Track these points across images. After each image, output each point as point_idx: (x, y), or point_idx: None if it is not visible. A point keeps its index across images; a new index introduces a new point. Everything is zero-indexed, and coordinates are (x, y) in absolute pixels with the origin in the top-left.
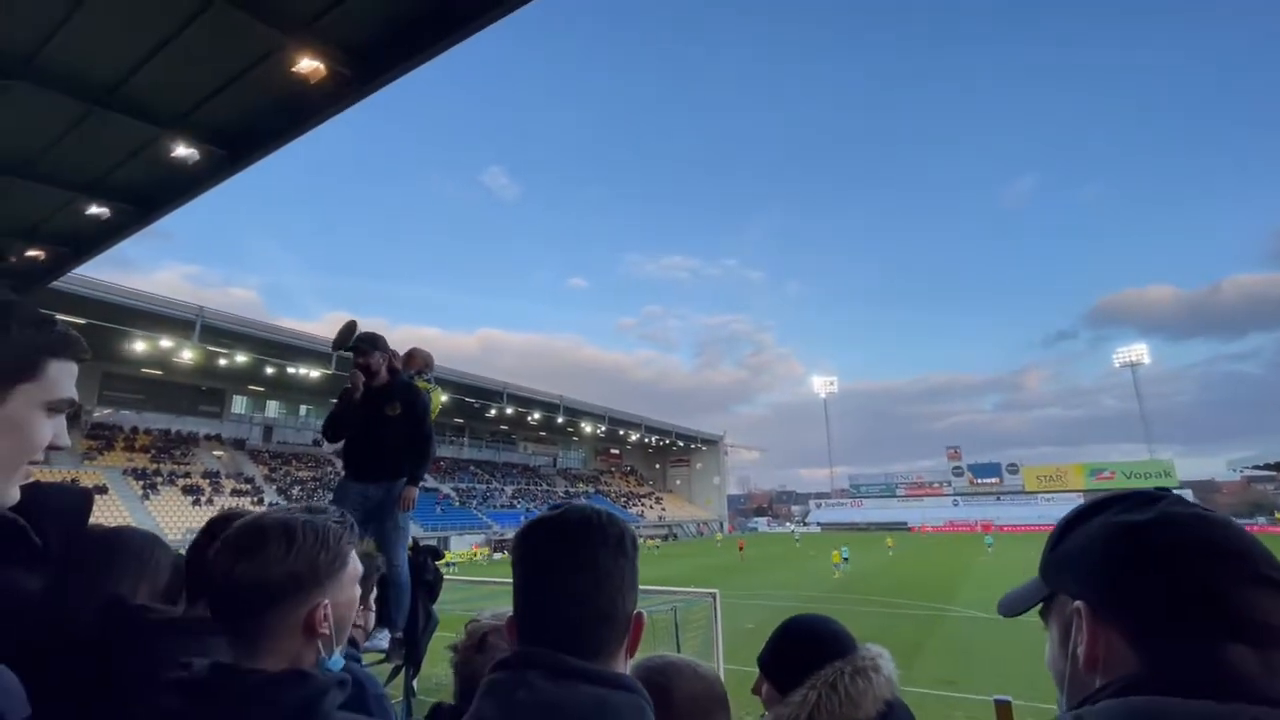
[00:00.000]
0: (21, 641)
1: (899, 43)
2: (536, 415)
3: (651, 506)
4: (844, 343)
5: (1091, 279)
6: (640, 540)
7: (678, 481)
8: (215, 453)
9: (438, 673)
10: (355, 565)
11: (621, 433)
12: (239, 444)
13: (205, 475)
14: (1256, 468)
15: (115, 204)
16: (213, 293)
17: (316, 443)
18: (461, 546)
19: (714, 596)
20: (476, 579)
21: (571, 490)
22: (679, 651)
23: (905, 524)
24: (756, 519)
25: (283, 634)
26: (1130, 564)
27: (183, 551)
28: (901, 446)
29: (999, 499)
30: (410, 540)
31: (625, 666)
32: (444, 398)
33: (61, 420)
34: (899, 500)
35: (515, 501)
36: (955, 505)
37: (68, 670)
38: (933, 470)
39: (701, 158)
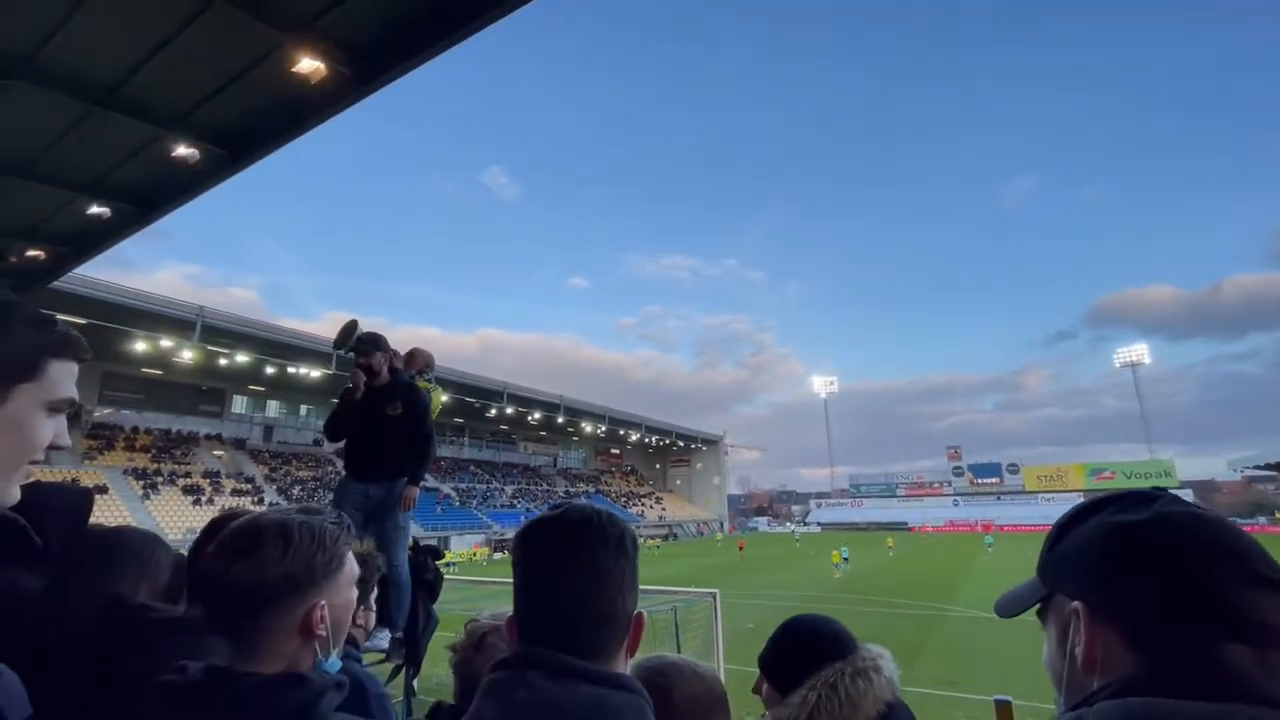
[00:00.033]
0: (22, 641)
1: (899, 43)
2: (537, 415)
3: (652, 506)
4: (844, 343)
5: (1091, 279)
6: (640, 540)
7: (678, 481)
8: (216, 452)
9: (438, 672)
10: (352, 566)
11: (622, 433)
12: (239, 444)
13: (206, 475)
14: (1257, 468)
15: (115, 204)
16: (213, 292)
17: (317, 442)
18: (462, 546)
19: (714, 596)
20: (477, 579)
21: (572, 490)
22: (679, 651)
23: (905, 524)
24: (757, 519)
25: (279, 635)
26: (1127, 564)
27: (183, 551)
28: (902, 446)
29: (999, 499)
30: (411, 540)
31: (625, 666)
32: (444, 397)
33: (62, 420)
34: (899, 500)
35: (515, 501)
36: (955, 505)
37: (68, 670)
38: (933, 470)
39: (701, 158)
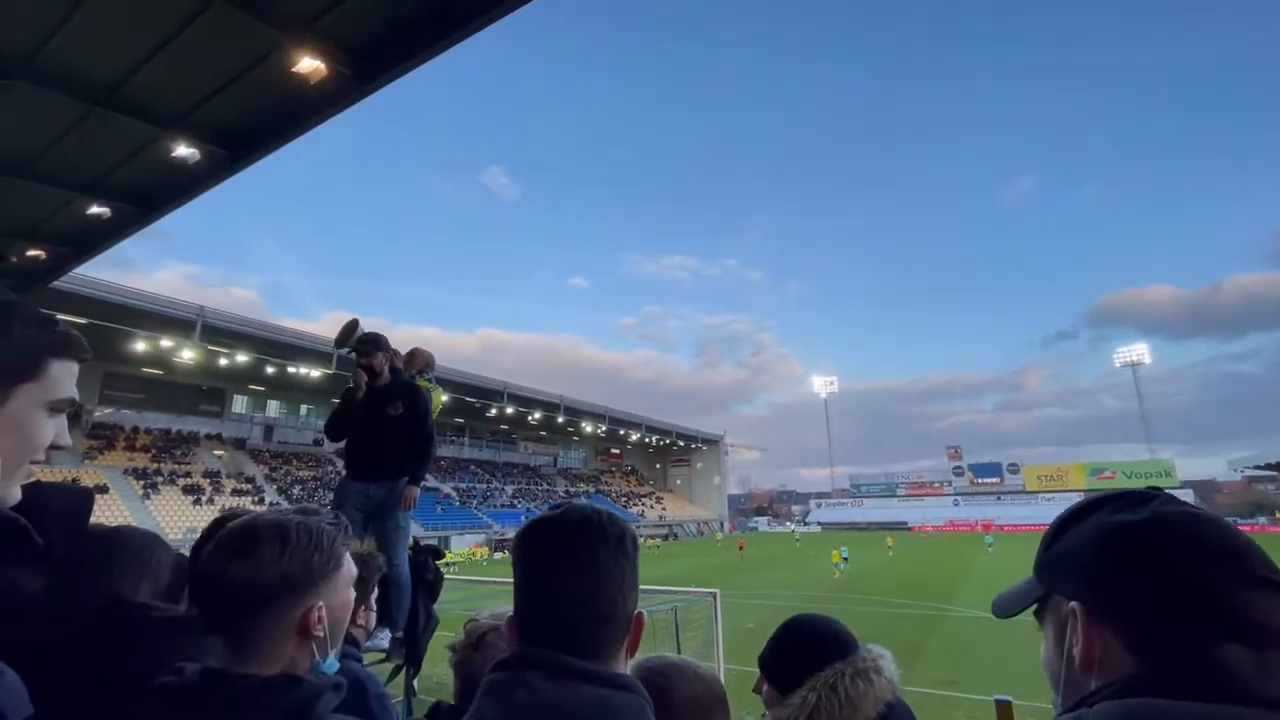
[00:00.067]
0: (24, 641)
1: (899, 43)
2: (537, 415)
3: (652, 506)
4: (844, 343)
5: (1091, 279)
6: (641, 540)
7: (678, 481)
8: (216, 452)
9: (438, 672)
10: (350, 567)
11: (622, 432)
12: (240, 443)
13: (206, 475)
14: (1257, 467)
15: (115, 204)
16: (213, 292)
17: (317, 442)
18: (462, 546)
19: (714, 596)
20: (477, 579)
21: (572, 490)
22: (679, 651)
23: (906, 524)
24: (757, 518)
25: (277, 636)
26: (1124, 564)
27: (184, 552)
28: (902, 446)
29: (999, 499)
30: (411, 540)
31: (626, 666)
32: (444, 397)
33: (63, 420)
34: (899, 500)
35: (516, 501)
36: (956, 505)
37: (68, 670)
38: (933, 470)
39: (701, 158)
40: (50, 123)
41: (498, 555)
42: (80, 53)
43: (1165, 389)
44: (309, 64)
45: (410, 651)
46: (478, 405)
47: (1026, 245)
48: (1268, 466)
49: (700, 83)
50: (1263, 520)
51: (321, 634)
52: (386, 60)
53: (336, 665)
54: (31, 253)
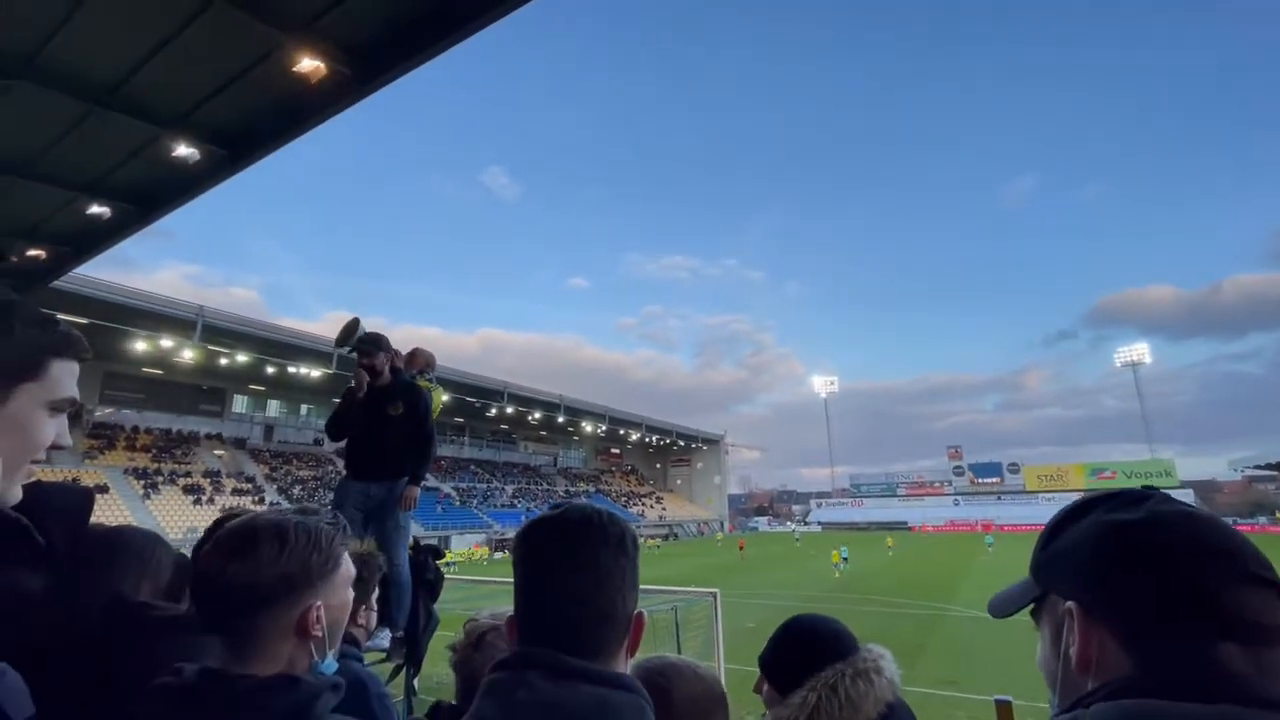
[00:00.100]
0: (26, 641)
1: (899, 43)
2: (537, 415)
3: (652, 506)
4: (844, 343)
5: (1092, 279)
6: (641, 540)
7: (678, 481)
8: (216, 452)
9: (438, 672)
10: (348, 567)
11: (622, 432)
12: (240, 443)
13: (206, 474)
14: (1258, 467)
15: (116, 203)
16: (214, 292)
17: (318, 442)
18: (462, 546)
19: (715, 596)
20: (477, 578)
21: (572, 489)
22: (680, 651)
23: (906, 523)
24: (757, 518)
25: (275, 636)
26: (1120, 563)
27: (185, 551)
28: (902, 446)
29: (1000, 498)
30: (411, 540)
31: (626, 666)
32: (445, 397)
33: (63, 419)
34: (900, 500)
35: (516, 501)
36: (956, 505)
37: (69, 670)
38: (933, 470)
39: (701, 158)
40: (51, 122)
41: (498, 555)
42: (81, 53)
43: (1165, 389)
44: (309, 64)
45: (410, 651)
46: (478, 405)
47: (1026, 245)
48: (1268, 466)
49: (700, 83)
50: (1263, 520)
51: (320, 634)
52: (386, 60)
53: (335, 665)
54: (32, 252)
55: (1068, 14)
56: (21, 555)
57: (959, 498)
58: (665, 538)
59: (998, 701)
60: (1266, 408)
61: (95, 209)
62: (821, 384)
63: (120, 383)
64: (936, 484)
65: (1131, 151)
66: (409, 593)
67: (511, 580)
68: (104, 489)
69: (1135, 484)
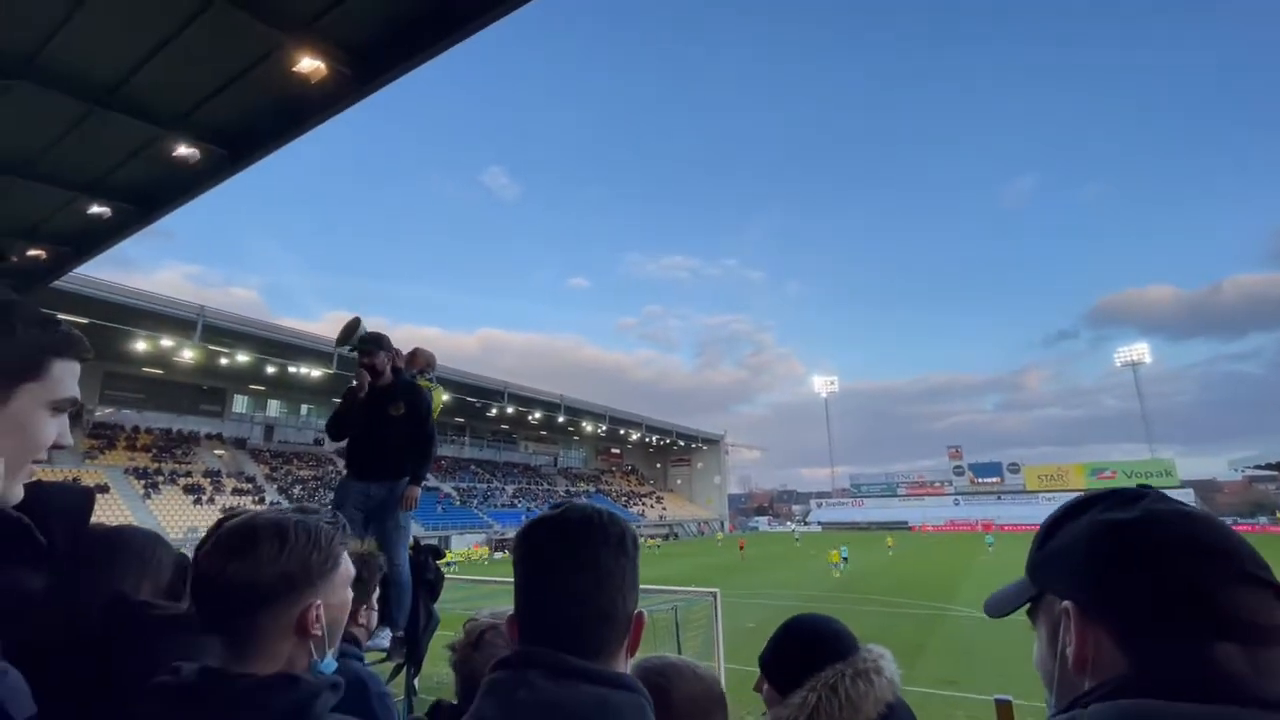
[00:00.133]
0: (28, 640)
1: (899, 43)
2: (537, 415)
3: (652, 506)
4: (844, 343)
5: (1092, 279)
6: (641, 539)
7: (679, 481)
8: (216, 452)
9: (439, 671)
10: (348, 567)
11: (622, 432)
12: (240, 443)
13: (206, 474)
14: (1258, 467)
15: (116, 203)
16: (214, 292)
17: (318, 442)
18: (462, 546)
19: (715, 596)
20: (477, 578)
21: (572, 489)
22: (680, 651)
23: (906, 523)
24: (757, 518)
25: (275, 635)
26: (1116, 562)
27: (185, 551)
28: (902, 446)
29: (1000, 498)
30: (411, 539)
31: (626, 666)
32: (445, 397)
33: (64, 419)
34: (900, 500)
35: (516, 501)
36: (956, 505)
37: (69, 669)
38: (934, 470)
39: (701, 158)
40: (51, 123)
41: (498, 555)
42: (81, 53)
43: (1166, 389)
44: (309, 64)
45: (411, 651)
46: (478, 405)
47: (1027, 245)
48: (1268, 466)
49: (700, 83)
50: (1263, 520)
51: (319, 633)
52: (386, 60)
53: (334, 665)
54: (32, 252)
55: (1068, 14)
56: (23, 555)
57: (959, 497)
58: (665, 537)
59: (998, 701)
60: (1267, 407)
61: (95, 209)
62: (821, 384)
63: (121, 383)
64: (937, 484)
65: (1131, 151)
66: (409, 592)
67: (511, 580)
68: (104, 489)
69: (1134, 484)
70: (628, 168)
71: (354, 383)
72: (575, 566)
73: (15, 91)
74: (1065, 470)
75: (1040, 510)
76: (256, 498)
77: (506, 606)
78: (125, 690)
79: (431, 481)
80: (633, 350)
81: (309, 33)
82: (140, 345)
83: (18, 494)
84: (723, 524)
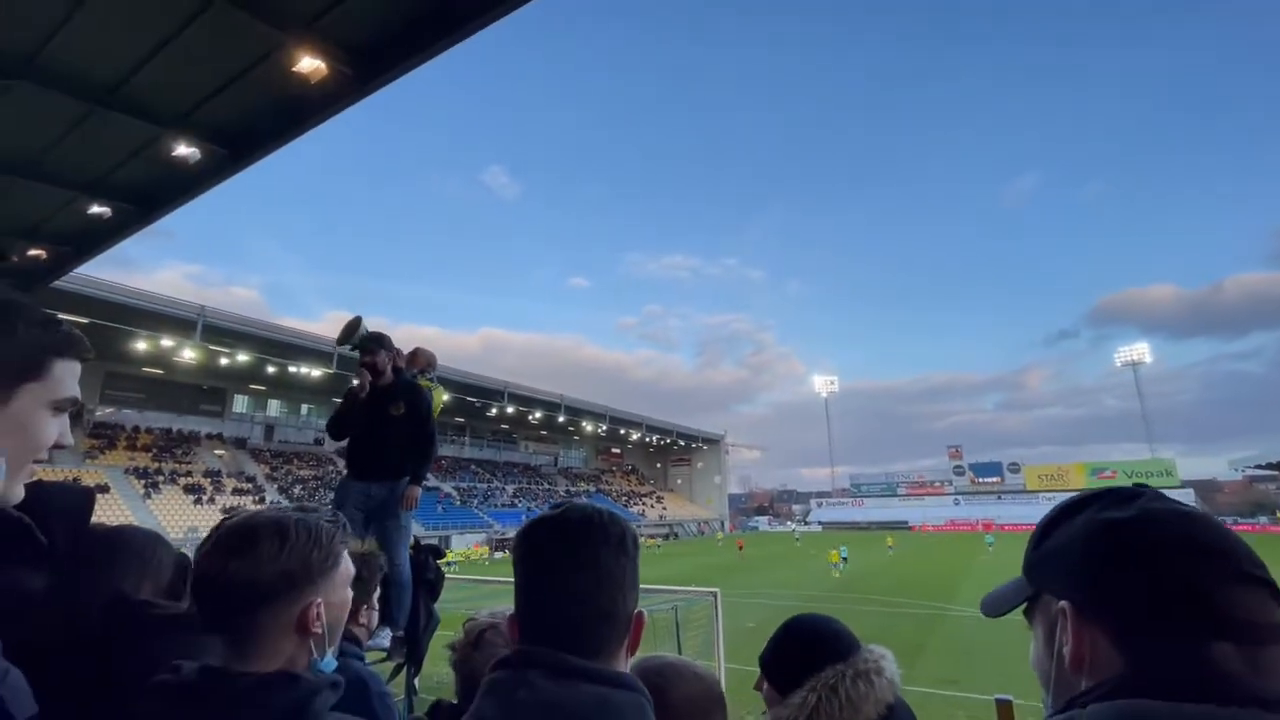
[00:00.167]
0: (28, 640)
1: (899, 42)
2: (537, 414)
3: (653, 505)
4: (845, 342)
5: (1093, 278)
6: (641, 539)
7: (679, 480)
8: (217, 452)
9: (439, 671)
10: (348, 565)
11: (623, 432)
12: (240, 443)
13: (207, 474)
14: (1258, 467)
15: (116, 203)
16: (215, 292)
17: (318, 441)
18: (462, 545)
19: (715, 595)
20: (477, 578)
21: (573, 489)
22: (680, 650)
23: (906, 523)
24: (757, 518)
25: (275, 633)
26: (1113, 561)
27: (185, 551)
28: (902, 446)
29: (1000, 498)
30: (412, 539)
31: (626, 665)
32: (445, 397)
33: (65, 419)
34: (900, 499)
35: (516, 500)
36: (956, 504)
37: (70, 669)
38: (934, 469)
39: (702, 157)
40: (51, 123)
41: (498, 555)
42: (81, 53)
43: (1166, 388)
44: (309, 63)
45: (411, 650)
46: (479, 405)
47: (1027, 244)
48: (1269, 466)
49: (700, 82)
50: (1263, 520)
51: (320, 631)
52: (387, 60)
53: (335, 663)
54: (32, 252)
55: (1068, 14)
56: (24, 554)
57: (959, 497)
58: (666, 537)
59: (998, 701)
60: (1267, 407)
61: (96, 209)
62: (822, 383)
63: (121, 382)
64: (937, 484)
65: (1132, 151)
66: (409, 592)
67: (512, 580)
68: (105, 489)
69: (1133, 483)
70: (628, 167)
71: (355, 383)
72: (575, 566)
73: (15, 91)
74: (1066, 470)
75: (1040, 510)
76: (257, 498)
77: (506, 606)
78: (125, 690)
79: (432, 481)
80: (633, 350)
81: (309, 32)
82: (141, 345)
83: (19, 494)
84: (723, 524)
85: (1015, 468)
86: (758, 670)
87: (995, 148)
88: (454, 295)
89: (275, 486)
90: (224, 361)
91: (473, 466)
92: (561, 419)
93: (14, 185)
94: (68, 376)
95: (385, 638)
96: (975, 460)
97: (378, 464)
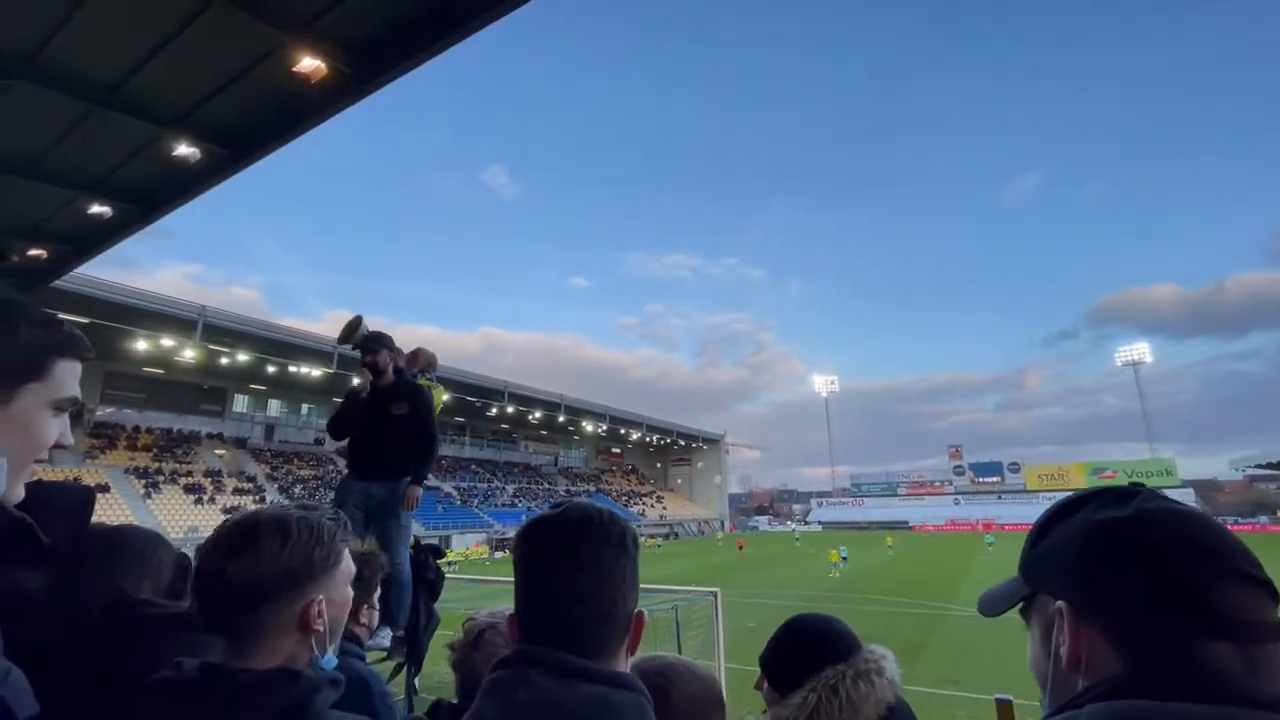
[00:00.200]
0: (28, 639)
1: (900, 42)
2: (538, 414)
3: (653, 505)
4: (845, 341)
5: (1093, 278)
6: (641, 539)
7: (679, 480)
8: (217, 451)
9: (439, 671)
10: (349, 563)
11: (623, 431)
12: (241, 443)
13: (207, 474)
14: (1259, 466)
15: (117, 203)
16: (215, 292)
17: (318, 441)
18: (462, 545)
19: (715, 595)
20: (477, 578)
21: (573, 489)
22: (680, 650)
23: (906, 523)
24: (758, 518)
25: (276, 631)
26: (1110, 561)
27: (186, 551)
28: (903, 445)
29: (1000, 498)
30: (412, 539)
31: (626, 665)
32: (446, 397)
33: (66, 419)
34: (900, 499)
35: (516, 500)
36: (956, 504)
37: (69, 669)
38: (934, 469)
39: (702, 156)
40: (51, 122)
41: (498, 554)
42: (81, 53)
43: (1167, 388)
44: (310, 63)
45: (411, 650)
46: (479, 404)
47: (1028, 244)
48: (1269, 465)
49: (701, 81)
50: (1264, 519)
51: (321, 628)
52: (387, 60)
53: (335, 661)
54: (33, 252)
55: (1068, 14)
56: (24, 554)
57: (959, 497)
58: (666, 537)
59: (998, 700)
60: (1268, 407)
61: (96, 209)
62: (822, 383)
63: (121, 382)
64: (937, 483)
65: (1132, 151)
66: (410, 592)
67: (512, 579)
68: (105, 488)
69: (1130, 483)
70: (628, 167)
71: (356, 382)
72: (575, 565)
73: (15, 91)
74: (1066, 470)
75: (1040, 510)
76: (257, 497)
77: (506, 606)
78: (126, 689)
79: (432, 481)
80: (633, 349)
81: (309, 32)
82: (141, 345)
83: (20, 493)
84: (723, 523)
85: (1015, 467)
86: (758, 670)
87: (996, 147)
88: (454, 295)
89: (276, 486)
90: (224, 361)
91: (473, 466)
92: (561, 419)
93: (14, 185)
94: (69, 376)
95: (386, 637)
96: (975, 460)
97: (378, 464)
